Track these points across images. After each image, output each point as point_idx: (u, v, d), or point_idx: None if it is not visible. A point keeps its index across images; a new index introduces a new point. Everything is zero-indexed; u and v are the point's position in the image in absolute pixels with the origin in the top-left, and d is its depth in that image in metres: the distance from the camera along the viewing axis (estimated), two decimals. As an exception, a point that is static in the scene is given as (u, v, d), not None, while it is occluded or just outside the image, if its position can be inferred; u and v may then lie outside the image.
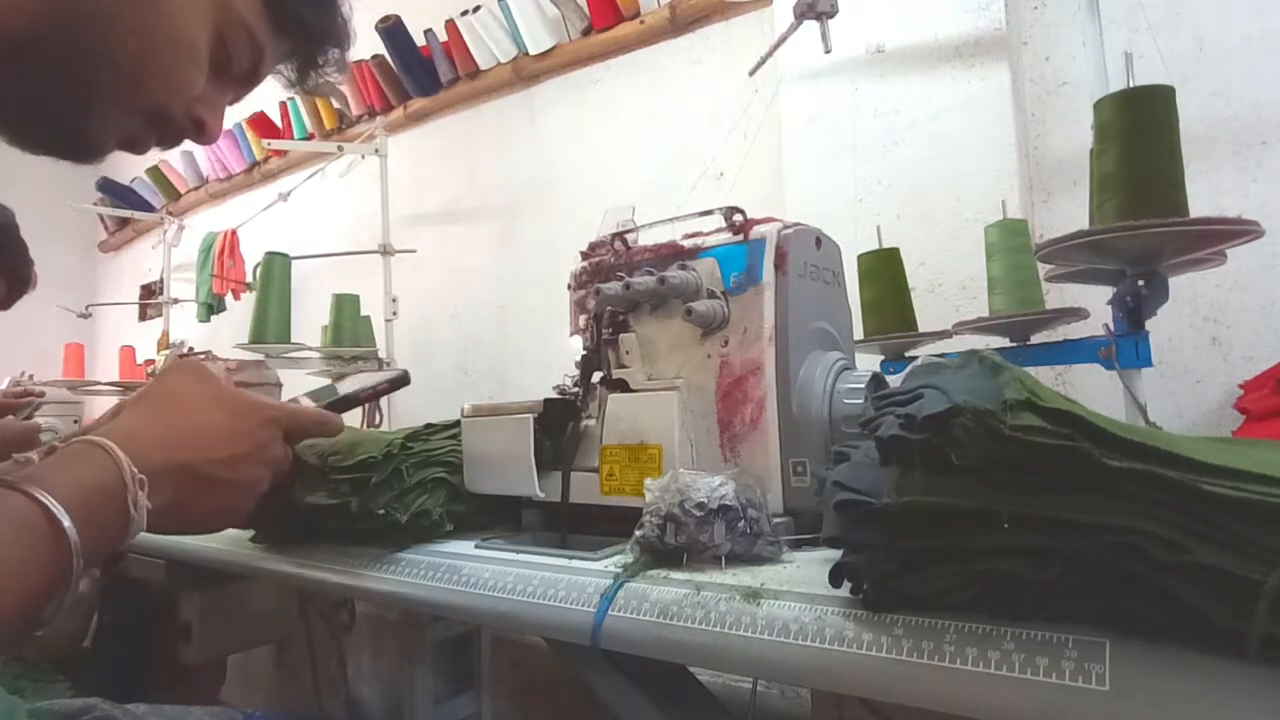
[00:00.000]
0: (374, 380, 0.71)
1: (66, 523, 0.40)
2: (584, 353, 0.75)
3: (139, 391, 0.55)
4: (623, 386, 0.70)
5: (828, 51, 1.19)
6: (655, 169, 1.75)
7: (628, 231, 0.77)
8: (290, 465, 0.61)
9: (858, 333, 0.91)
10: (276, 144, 2.33)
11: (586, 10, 1.83)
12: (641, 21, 1.76)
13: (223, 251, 2.51)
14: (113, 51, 0.46)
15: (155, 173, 3.14)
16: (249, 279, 2.21)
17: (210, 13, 0.51)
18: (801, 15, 1.19)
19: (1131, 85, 0.75)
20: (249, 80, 0.57)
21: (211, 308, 2.54)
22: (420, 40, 2.12)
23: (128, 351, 2.96)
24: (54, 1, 0.44)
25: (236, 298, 2.51)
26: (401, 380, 0.73)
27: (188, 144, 0.61)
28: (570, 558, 0.60)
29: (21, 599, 0.38)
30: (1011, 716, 0.35)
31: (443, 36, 2.08)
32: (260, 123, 2.61)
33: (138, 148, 0.54)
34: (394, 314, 2.01)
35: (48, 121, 0.49)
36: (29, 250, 1.50)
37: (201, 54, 0.51)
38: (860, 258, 1.06)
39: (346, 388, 0.69)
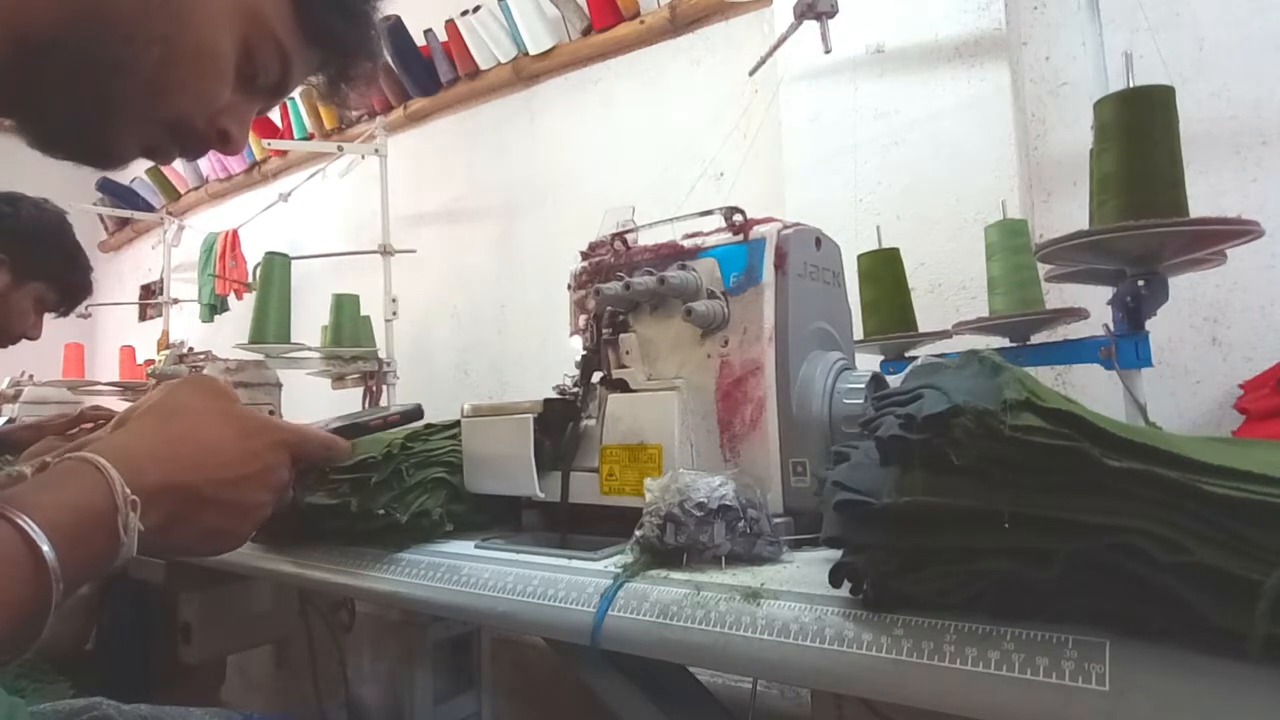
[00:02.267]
0: (385, 411, 0.70)
1: (46, 549, 0.38)
2: (584, 353, 0.75)
3: (146, 403, 0.53)
4: (623, 386, 0.70)
5: (828, 51, 1.19)
6: (655, 169, 1.75)
7: (628, 231, 0.77)
8: (292, 491, 0.58)
9: (858, 333, 0.91)
10: (276, 144, 2.33)
11: (586, 10, 1.83)
12: (641, 21, 1.76)
13: (224, 252, 2.51)
14: (135, 60, 0.46)
15: (155, 173, 3.14)
16: (250, 279, 2.21)
17: (238, 23, 0.50)
18: (801, 15, 1.19)
19: (1131, 85, 0.75)
20: (277, 91, 0.56)
21: (214, 308, 2.54)
22: (420, 40, 2.12)
23: (128, 351, 2.96)
24: (77, 8, 0.44)
25: (239, 298, 2.51)
26: (414, 414, 0.71)
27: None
28: (570, 558, 0.60)
29: None
30: (1011, 716, 0.35)
31: (443, 36, 2.08)
32: (260, 123, 2.60)
33: (160, 156, 0.53)
34: (394, 314, 2.01)
35: (68, 126, 0.49)
36: (85, 256, 1.52)
37: (226, 65, 0.50)
38: (860, 258, 1.06)
39: (355, 419, 0.67)
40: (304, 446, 0.57)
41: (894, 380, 0.58)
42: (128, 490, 0.43)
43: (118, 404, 2.35)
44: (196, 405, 0.52)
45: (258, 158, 2.75)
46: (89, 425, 1.44)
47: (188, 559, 0.50)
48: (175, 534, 0.48)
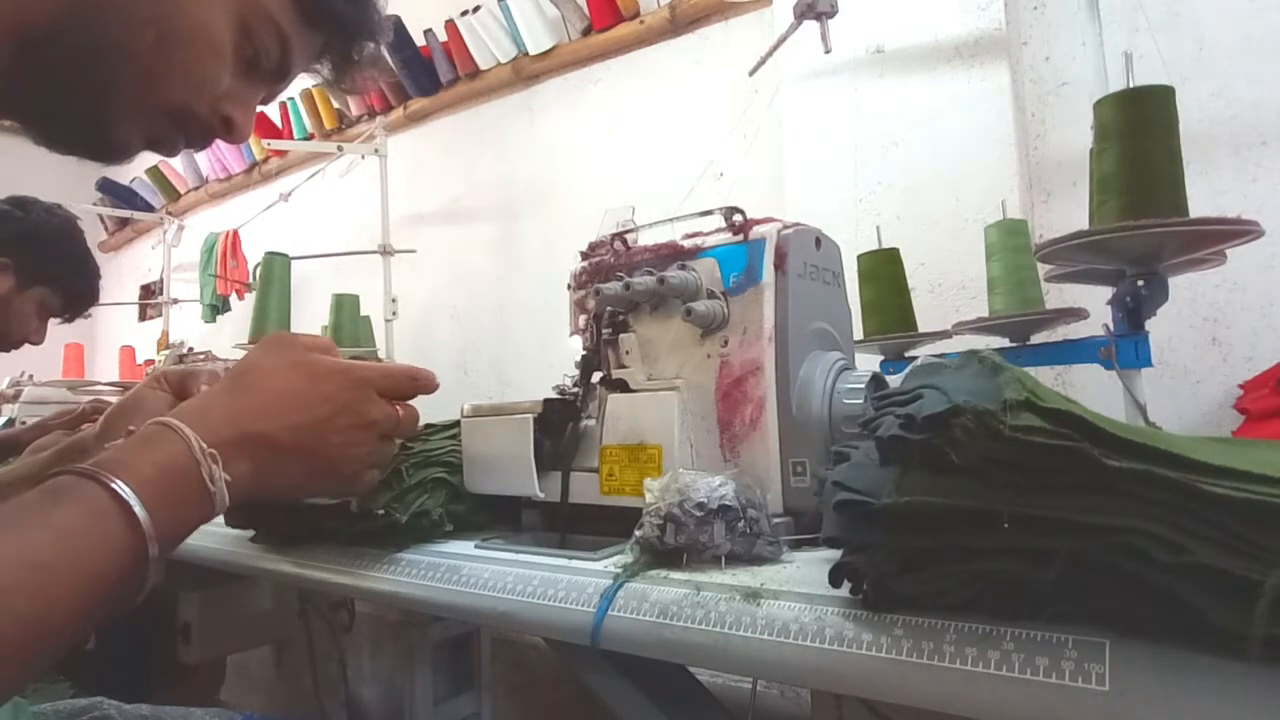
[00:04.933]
0: None
1: (138, 509, 0.40)
2: (584, 353, 0.75)
3: (128, 402, 0.54)
4: (622, 386, 0.70)
5: (828, 51, 1.19)
6: (655, 169, 1.75)
7: (628, 231, 0.77)
8: (410, 422, 0.60)
9: (858, 333, 0.91)
10: (276, 144, 2.33)
11: (586, 10, 1.83)
12: (641, 21, 1.76)
13: (225, 252, 2.51)
14: (130, 44, 0.46)
15: (155, 173, 3.14)
16: (250, 279, 2.21)
17: (233, 5, 0.50)
18: (801, 15, 1.19)
19: (1131, 85, 0.75)
20: (279, 76, 0.56)
21: (216, 308, 2.54)
22: (420, 40, 2.12)
23: (128, 351, 2.96)
24: None
25: (240, 298, 2.51)
26: None
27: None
28: (570, 558, 0.60)
29: (97, 586, 0.39)
30: (1011, 716, 0.35)
31: (443, 36, 2.08)
32: (260, 123, 2.61)
33: (166, 148, 0.54)
34: (394, 314, 2.01)
35: (70, 120, 0.49)
36: (93, 263, 1.52)
37: (224, 47, 0.50)
38: (860, 258, 1.06)
39: None
40: (389, 380, 0.58)
41: (894, 380, 0.58)
42: (204, 445, 0.45)
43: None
44: (266, 361, 0.53)
45: (258, 158, 2.75)
46: (95, 420, 1.44)
47: (302, 498, 0.53)
48: (269, 482, 0.50)
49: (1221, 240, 0.74)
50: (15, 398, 2.12)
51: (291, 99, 2.50)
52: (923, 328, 1.03)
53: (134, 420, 0.56)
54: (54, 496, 0.39)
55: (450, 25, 2.03)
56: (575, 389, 0.74)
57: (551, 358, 1.85)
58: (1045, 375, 1.15)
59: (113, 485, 0.40)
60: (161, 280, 2.89)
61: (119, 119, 0.49)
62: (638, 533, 0.56)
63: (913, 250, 1.11)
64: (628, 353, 0.71)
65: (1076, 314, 0.91)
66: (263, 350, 0.55)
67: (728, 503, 0.54)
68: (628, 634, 0.50)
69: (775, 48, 1.28)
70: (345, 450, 0.54)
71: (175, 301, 2.83)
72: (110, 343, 3.42)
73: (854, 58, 1.33)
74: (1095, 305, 0.89)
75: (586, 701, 1.27)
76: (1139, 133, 0.73)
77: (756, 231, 0.67)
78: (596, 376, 0.74)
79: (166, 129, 0.52)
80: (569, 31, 1.88)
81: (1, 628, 0.34)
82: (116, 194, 3.24)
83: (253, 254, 2.30)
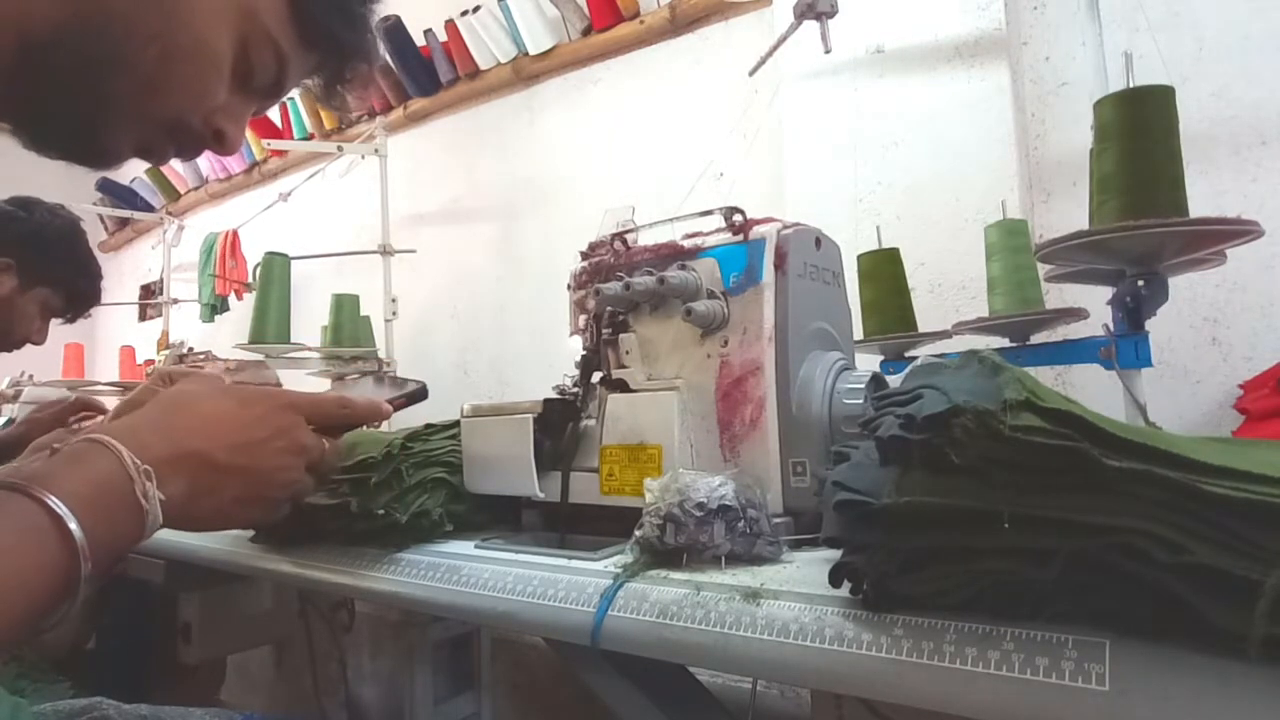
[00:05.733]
0: (390, 393, 0.70)
1: (72, 524, 0.39)
2: (584, 353, 0.75)
3: (140, 397, 0.54)
4: (622, 386, 0.70)
5: (828, 51, 1.19)
6: (655, 169, 1.75)
7: (628, 231, 0.77)
8: (334, 455, 0.59)
9: (858, 333, 0.91)
10: (276, 144, 2.33)
11: (586, 10, 1.83)
12: (641, 21, 1.76)
13: (224, 252, 2.51)
14: (133, 57, 0.46)
15: (155, 173, 3.14)
16: (250, 279, 2.21)
17: (235, 22, 0.50)
18: (801, 15, 1.19)
19: (1131, 85, 0.75)
20: (273, 92, 0.56)
21: (215, 308, 2.54)
22: (420, 40, 2.12)
23: (128, 351, 2.96)
24: (76, 5, 0.44)
25: (239, 298, 2.51)
26: (419, 395, 0.71)
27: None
28: (570, 558, 0.60)
29: (28, 601, 0.38)
30: (1011, 716, 0.35)
31: (442, 36, 2.08)
32: (260, 123, 2.60)
33: (155, 157, 0.54)
34: (394, 314, 2.01)
35: (64, 126, 0.49)
36: (96, 264, 1.52)
37: (223, 63, 0.51)
38: (860, 258, 1.06)
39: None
40: (316, 408, 0.57)
41: (894, 380, 0.58)
42: (138, 461, 0.44)
43: (115, 402, 2.34)
44: (192, 387, 0.53)
45: (258, 158, 2.75)
46: (89, 414, 1.44)
47: (225, 527, 0.53)
48: (202, 503, 0.49)
49: (1221, 240, 0.74)
50: (15, 398, 2.12)
51: (292, 99, 2.50)
52: (923, 328, 1.03)
53: None
54: None
55: (450, 25, 2.03)
56: (575, 389, 0.74)
57: (551, 358, 1.85)
58: (1045, 375, 1.15)
59: (47, 500, 0.39)
60: (161, 280, 2.89)
61: (114, 127, 0.49)
62: (638, 533, 0.56)
63: (913, 250, 1.11)
64: (628, 353, 0.71)
65: (1076, 314, 0.91)
66: (184, 383, 0.55)
67: (728, 503, 0.54)
68: (628, 634, 0.50)
69: (775, 48, 1.28)
70: (275, 475, 0.53)
71: (175, 301, 2.83)
72: (110, 343, 3.42)
73: (854, 58, 1.33)
74: (1095, 305, 0.89)
75: (586, 701, 1.27)
76: (1139, 133, 0.73)
77: (756, 231, 0.67)
78: (596, 376, 0.74)
79: (159, 139, 0.52)
80: (569, 31, 1.88)
81: None
82: (116, 194, 3.23)
83: (253, 254, 2.30)
